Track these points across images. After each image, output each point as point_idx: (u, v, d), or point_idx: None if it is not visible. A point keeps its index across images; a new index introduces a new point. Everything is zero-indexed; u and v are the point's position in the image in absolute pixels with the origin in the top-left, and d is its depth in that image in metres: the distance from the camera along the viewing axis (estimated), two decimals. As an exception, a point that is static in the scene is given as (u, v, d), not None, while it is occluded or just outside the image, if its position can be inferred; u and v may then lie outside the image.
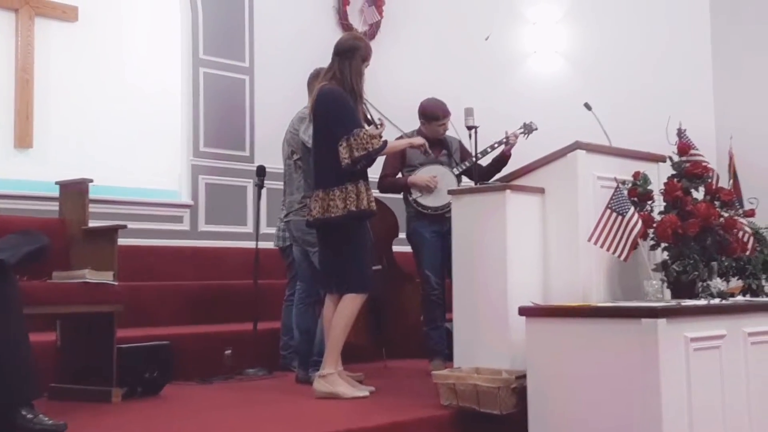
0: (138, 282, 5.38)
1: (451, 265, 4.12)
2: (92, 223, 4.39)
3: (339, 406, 3.85)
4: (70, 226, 4.36)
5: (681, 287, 3.82)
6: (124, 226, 4.30)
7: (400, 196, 5.24)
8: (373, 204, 4.18)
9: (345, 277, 4.14)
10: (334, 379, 4.07)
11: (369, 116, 4.27)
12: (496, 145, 5.19)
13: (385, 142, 4.19)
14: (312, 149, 4.32)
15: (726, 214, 3.96)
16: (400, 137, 5.04)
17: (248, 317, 5.18)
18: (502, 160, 5.17)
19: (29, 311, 3.49)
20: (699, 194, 4.04)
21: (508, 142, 5.17)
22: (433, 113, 5.10)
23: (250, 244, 5.60)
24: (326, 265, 4.25)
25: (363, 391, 4.10)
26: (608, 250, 3.69)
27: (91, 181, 4.43)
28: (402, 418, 3.50)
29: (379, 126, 4.27)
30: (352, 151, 4.05)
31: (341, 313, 4.10)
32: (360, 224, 4.17)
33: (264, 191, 5.50)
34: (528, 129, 5.29)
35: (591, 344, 3.35)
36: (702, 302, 3.62)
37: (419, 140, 4.55)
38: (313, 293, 4.70)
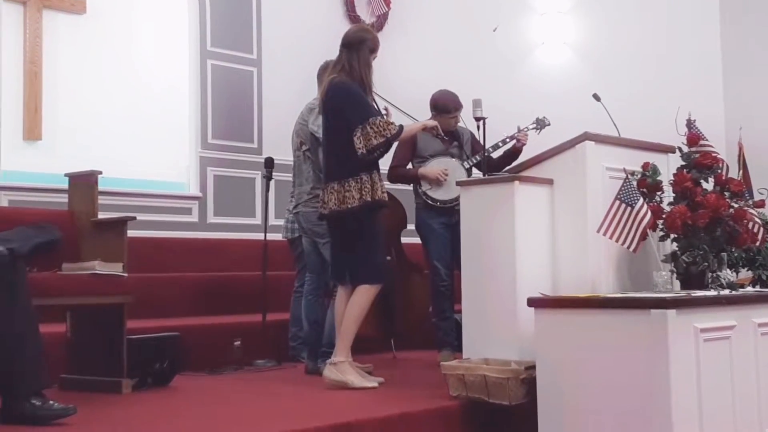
0: (147, 273, 5.40)
1: (460, 257, 4.12)
2: (101, 215, 4.40)
3: (348, 397, 3.86)
4: (79, 218, 4.37)
5: (690, 278, 3.82)
6: (134, 218, 4.31)
7: (410, 187, 5.23)
8: (385, 195, 4.19)
9: (359, 269, 4.14)
10: (344, 367, 4.08)
11: (377, 107, 4.27)
12: (507, 140, 5.16)
13: (401, 126, 4.19)
14: (323, 142, 4.32)
15: (736, 205, 3.95)
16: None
17: (257, 309, 5.20)
18: (514, 153, 5.15)
19: (39, 302, 3.51)
20: (708, 185, 4.03)
21: (519, 139, 5.14)
22: (444, 106, 5.09)
23: (259, 236, 5.61)
24: (339, 257, 4.25)
25: (372, 382, 4.11)
26: (617, 241, 3.68)
27: (100, 173, 4.43)
28: (411, 409, 3.50)
29: (385, 116, 4.27)
30: (369, 139, 4.05)
31: (355, 303, 4.11)
32: (373, 215, 4.17)
33: (272, 183, 5.50)
34: (540, 124, 5.26)
35: (600, 335, 3.35)
36: (712, 293, 3.61)
37: (432, 122, 4.55)
38: (323, 284, 4.71)
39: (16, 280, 3.28)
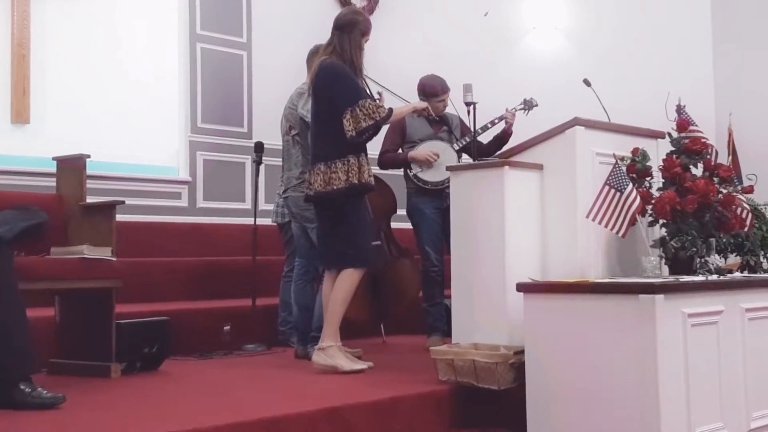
0: (136, 258, 5.38)
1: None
2: (90, 199, 4.38)
3: (337, 381, 3.87)
4: (67, 202, 4.35)
5: (679, 263, 3.83)
6: (122, 202, 4.30)
7: (400, 173, 5.23)
8: (372, 178, 4.17)
9: (343, 252, 4.13)
10: (333, 352, 4.08)
11: (368, 91, 4.25)
12: (496, 121, 5.19)
13: (391, 109, 4.17)
14: (311, 123, 4.31)
15: (724, 191, 3.96)
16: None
17: (247, 293, 5.19)
18: (503, 137, 5.16)
19: (27, 287, 3.50)
20: (698, 171, 4.03)
21: (507, 119, 5.16)
22: (432, 89, 5.09)
23: (249, 221, 5.60)
24: (324, 240, 4.25)
25: (362, 365, 4.11)
26: (606, 226, 3.69)
27: (89, 156, 4.41)
28: (400, 394, 3.51)
29: (378, 99, 4.25)
30: (358, 122, 4.03)
31: (340, 287, 4.11)
32: (359, 198, 4.16)
33: (262, 167, 5.49)
34: (528, 105, 5.28)
35: (589, 320, 3.36)
36: (700, 278, 3.63)
37: (422, 104, 4.53)
38: (312, 269, 4.71)
39: (1, 266, 3.26)
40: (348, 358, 4.14)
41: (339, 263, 4.15)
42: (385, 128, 4.57)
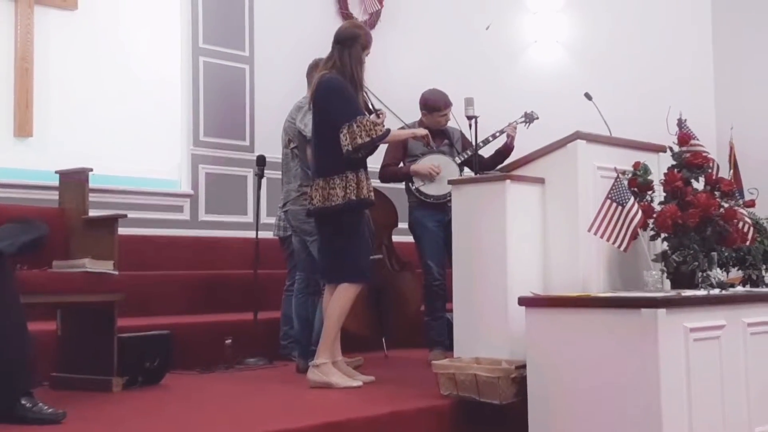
0: (138, 271, 5.38)
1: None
2: (92, 213, 4.39)
3: (339, 396, 3.86)
4: (70, 215, 4.35)
5: (681, 278, 3.82)
6: (125, 216, 4.30)
7: (401, 186, 5.24)
8: (372, 193, 4.17)
9: (340, 267, 4.13)
10: (327, 368, 4.06)
11: (370, 105, 4.26)
12: (497, 135, 5.20)
13: (388, 130, 4.17)
14: (312, 138, 4.31)
15: (726, 205, 3.96)
16: (402, 128, 5.05)
17: (248, 307, 5.19)
18: (505, 151, 5.17)
19: (29, 300, 3.50)
20: (699, 185, 4.04)
21: (509, 133, 5.17)
22: (434, 104, 5.10)
23: (251, 234, 5.60)
24: (324, 254, 4.25)
25: (356, 381, 4.10)
26: (608, 240, 3.69)
27: (91, 170, 4.42)
28: (402, 408, 3.51)
29: (379, 115, 4.26)
30: (354, 137, 4.03)
31: (336, 303, 4.10)
32: (358, 213, 4.16)
33: (264, 181, 5.49)
34: (529, 118, 5.30)
35: (591, 334, 3.36)
36: (702, 293, 3.62)
37: (422, 131, 4.53)
38: (313, 283, 4.71)
39: (4, 280, 3.26)
40: (342, 375, 4.11)
41: (336, 277, 4.15)
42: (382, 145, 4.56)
